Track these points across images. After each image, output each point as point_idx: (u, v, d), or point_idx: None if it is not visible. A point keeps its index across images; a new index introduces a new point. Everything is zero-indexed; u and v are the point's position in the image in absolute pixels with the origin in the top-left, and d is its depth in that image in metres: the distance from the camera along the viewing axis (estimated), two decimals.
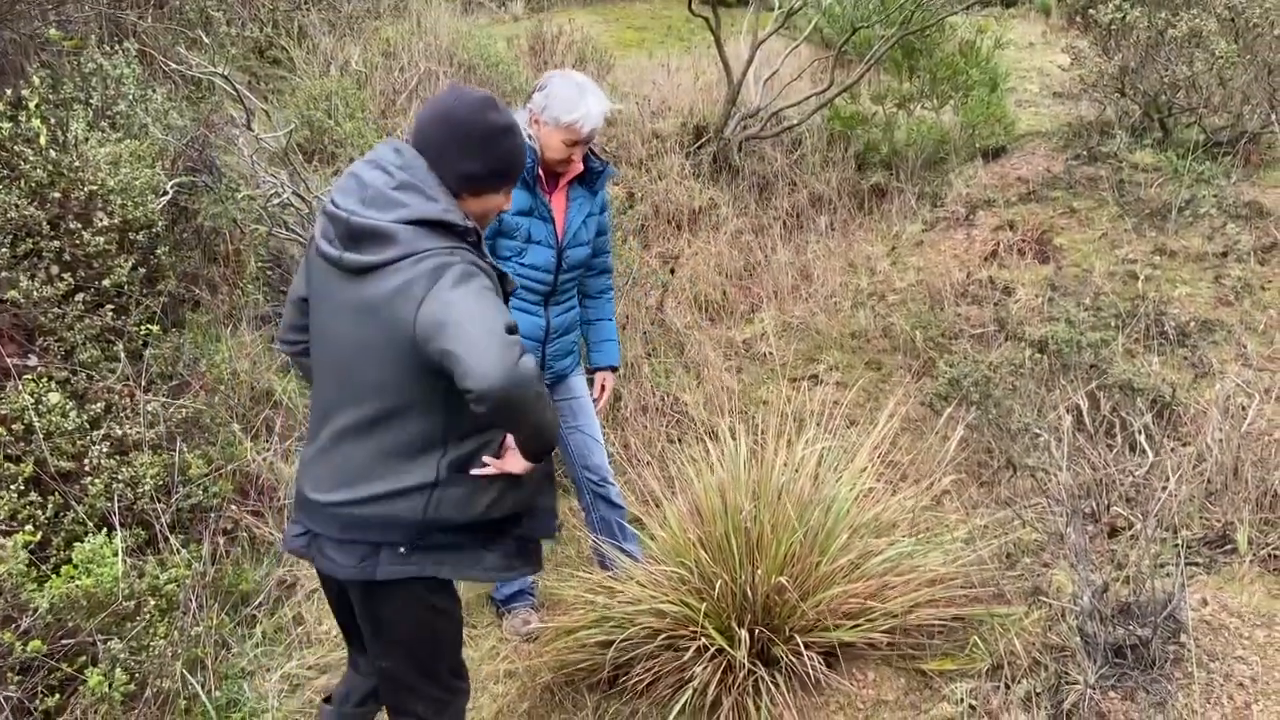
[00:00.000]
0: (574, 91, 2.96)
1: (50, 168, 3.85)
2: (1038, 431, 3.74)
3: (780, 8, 7.16)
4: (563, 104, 2.94)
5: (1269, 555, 3.02)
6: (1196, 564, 3.05)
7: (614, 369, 3.53)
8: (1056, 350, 4.45)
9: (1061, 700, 2.41)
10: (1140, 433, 3.61)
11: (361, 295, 2.03)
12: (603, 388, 3.51)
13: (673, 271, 5.85)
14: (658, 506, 3.29)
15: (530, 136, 3.01)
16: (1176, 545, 2.88)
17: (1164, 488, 3.12)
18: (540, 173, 3.07)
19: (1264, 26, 5.80)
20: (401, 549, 2.13)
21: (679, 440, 4.44)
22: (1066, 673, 2.49)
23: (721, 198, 6.58)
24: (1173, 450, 3.54)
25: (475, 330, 1.91)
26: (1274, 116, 5.91)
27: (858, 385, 4.92)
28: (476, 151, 2.10)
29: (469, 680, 2.43)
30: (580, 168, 3.13)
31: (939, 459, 3.76)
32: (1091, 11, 6.60)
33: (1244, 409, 3.55)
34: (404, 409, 2.08)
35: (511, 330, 1.96)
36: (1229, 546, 3.11)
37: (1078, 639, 2.52)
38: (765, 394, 4.91)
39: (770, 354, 5.29)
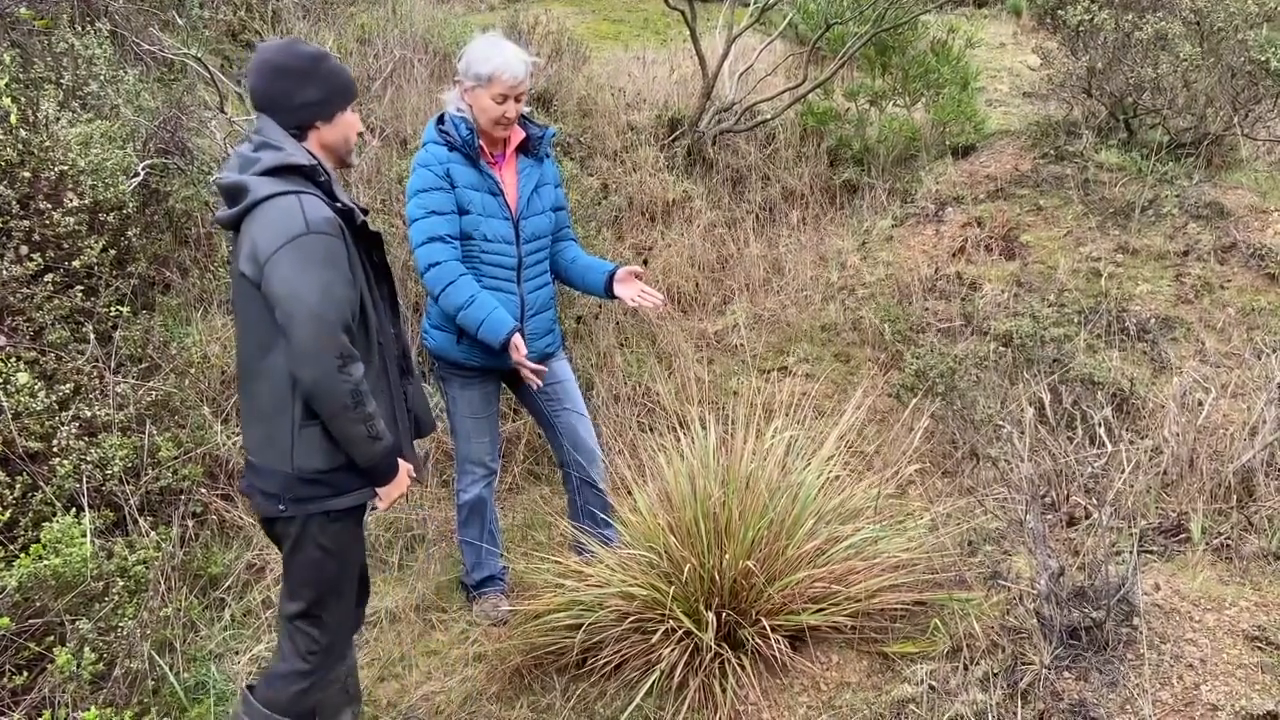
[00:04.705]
0: (487, 46, 3.07)
1: (20, 147, 3.81)
2: (1000, 423, 3.82)
3: (756, 3, 7.20)
4: (480, 60, 3.04)
5: (1221, 544, 3.10)
6: (1151, 552, 3.13)
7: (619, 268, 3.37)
8: (1020, 344, 4.54)
9: (1017, 680, 2.47)
10: (1100, 425, 3.68)
11: (238, 249, 2.23)
12: (632, 273, 3.34)
13: (646, 263, 5.88)
14: (628, 493, 3.32)
15: (461, 110, 3.12)
16: (1132, 533, 2.96)
17: (1122, 478, 3.20)
18: (482, 144, 3.13)
19: (1228, 30, 5.91)
20: (288, 497, 2.30)
21: (650, 429, 4.48)
22: (1023, 654, 2.56)
23: (695, 191, 6.62)
24: (1131, 442, 3.62)
25: (300, 314, 2.12)
26: (1236, 119, 6.03)
27: (826, 377, 4.99)
28: (308, 80, 2.27)
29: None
30: (521, 135, 3.21)
31: (904, 448, 3.83)
32: (1060, 13, 6.70)
33: (1201, 403, 3.64)
34: (270, 348, 2.24)
35: (342, 306, 2.16)
36: (1183, 535, 3.19)
37: (1034, 621, 2.59)
38: (735, 385, 4.96)
39: (741, 345, 5.34)
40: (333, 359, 2.14)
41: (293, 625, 2.44)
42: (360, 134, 2.42)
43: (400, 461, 2.41)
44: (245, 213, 2.20)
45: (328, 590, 2.40)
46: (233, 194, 2.23)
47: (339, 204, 2.27)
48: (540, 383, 3.15)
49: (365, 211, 2.42)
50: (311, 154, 2.29)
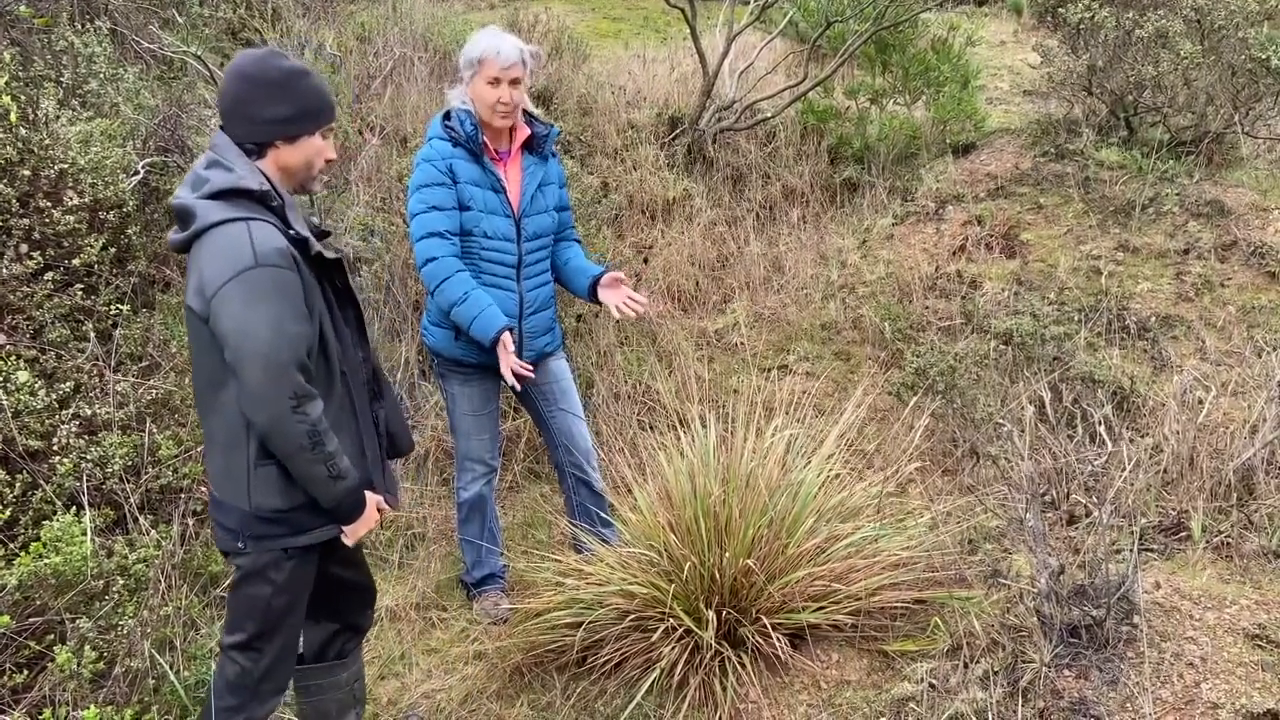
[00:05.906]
0: (481, 35, 3.12)
1: (20, 145, 3.81)
2: (1001, 421, 3.82)
3: (756, 1, 7.20)
4: (474, 47, 3.09)
5: (1222, 542, 3.10)
6: (1152, 550, 3.13)
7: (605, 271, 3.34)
8: (1020, 343, 4.53)
9: (1018, 679, 2.47)
10: (1100, 423, 3.68)
11: (187, 279, 2.12)
12: (617, 279, 3.31)
13: (646, 261, 5.88)
14: (629, 492, 3.32)
15: (466, 104, 3.14)
16: (1133, 532, 2.96)
17: (1122, 476, 3.20)
18: (485, 140, 3.13)
19: (1228, 28, 5.91)
20: (246, 535, 2.21)
21: (650, 427, 4.48)
22: (1023, 652, 2.55)
23: (695, 189, 6.61)
24: (1131, 441, 3.61)
25: (250, 354, 2.01)
26: (1237, 117, 6.03)
27: (827, 375, 4.99)
28: (279, 94, 2.15)
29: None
30: (526, 132, 3.21)
31: (904, 447, 3.83)
32: (1061, 10, 6.69)
33: (1201, 402, 3.64)
34: (221, 384, 2.14)
35: (295, 343, 2.05)
36: (1183, 534, 3.19)
37: (1034, 620, 2.59)
38: (736, 383, 4.96)
39: (741, 344, 5.34)
40: (286, 400, 2.03)
41: (226, 655, 2.34)
42: (330, 161, 2.28)
43: (369, 494, 2.31)
44: (193, 238, 2.08)
45: (272, 626, 2.29)
46: (181, 217, 2.11)
47: (293, 232, 2.15)
48: (519, 385, 3.08)
49: (325, 235, 2.32)
50: (266, 176, 2.16)
